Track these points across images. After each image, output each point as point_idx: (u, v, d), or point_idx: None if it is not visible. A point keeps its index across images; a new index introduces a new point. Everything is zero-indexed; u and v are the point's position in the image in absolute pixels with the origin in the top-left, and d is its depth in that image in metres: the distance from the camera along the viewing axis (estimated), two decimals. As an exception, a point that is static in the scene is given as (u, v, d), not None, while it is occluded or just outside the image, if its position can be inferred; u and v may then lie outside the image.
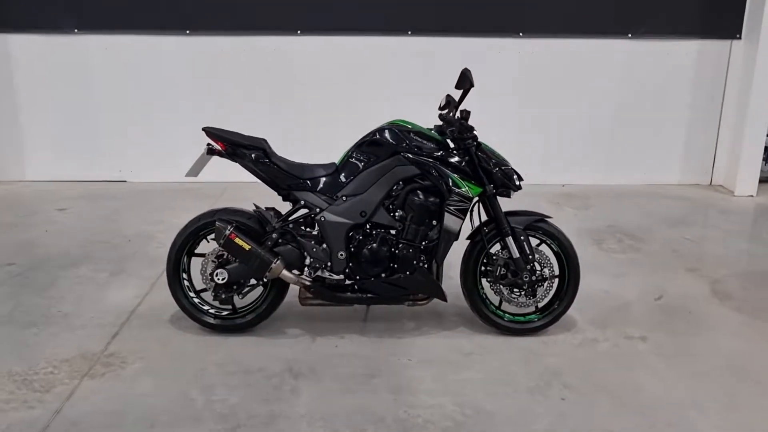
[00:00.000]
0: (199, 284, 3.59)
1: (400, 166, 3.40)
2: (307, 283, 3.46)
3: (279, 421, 2.86)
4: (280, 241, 3.47)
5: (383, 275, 3.44)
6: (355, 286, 3.47)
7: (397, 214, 3.45)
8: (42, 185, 6.47)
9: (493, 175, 3.43)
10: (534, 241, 3.59)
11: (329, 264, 3.44)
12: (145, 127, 6.54)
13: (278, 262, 3.39)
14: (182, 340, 3.53)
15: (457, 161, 3.42)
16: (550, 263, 3.58)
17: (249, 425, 2.83)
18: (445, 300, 3.55)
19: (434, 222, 3.43)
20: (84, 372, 3.19)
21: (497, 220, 3.49)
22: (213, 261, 3.48)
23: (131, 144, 6.57)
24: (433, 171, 3.39)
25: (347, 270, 3.45)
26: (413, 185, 3.42)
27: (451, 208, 3.39)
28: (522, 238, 3.49)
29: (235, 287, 3.50)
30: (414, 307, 3.66)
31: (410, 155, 3.39)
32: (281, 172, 3.45)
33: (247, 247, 3.36)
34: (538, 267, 3.54)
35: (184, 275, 3.57)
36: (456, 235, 3.44)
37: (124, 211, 5.72)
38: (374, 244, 3.41)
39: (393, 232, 3.46)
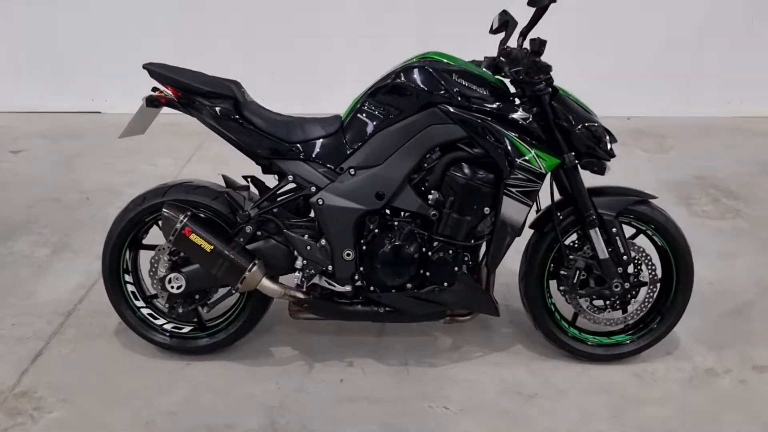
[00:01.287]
0: (152, 287, 2.54)
1: (436, 124, 2.26)
2: (300, 297, 2.40)
3: None
4: (258, 234, 2.38)
5: (409, 286, 2.36)
6: (369, 299, 2.41)
7: (430, 196, 2.33)
8: (-2, 118, 5.36)
9: (575, 138, 2.28)
10: (628, 231, 2.47)
11: (330, 268, 2.36)
12: (121, 47, 5.33)
13: (255, 268, 2.32)
14: (128, 367, 2.52)
15: (522, 117, 2.26)
16: (652, 263, 2.47)
17: None
18: (497, 314, 2.48)
19: (487, 209, 2.31)
20: (-28, 429, 2.21)
21: (579, 204, 2.37)
22: (166, 260, 2.42)
23: (106, 67, 5.39)
24: (486, 133, 2.24)
25: (356, 277, 2.37)
26: (456, 154, 2.29)
27: (513, 190, 2.27)
28: (614, 230, 2.37)
29: (197, 297, 2.46)
30: (452, 323, 2.60)
31: (451, 108, 2.24)
32: (257, 133, 2.33)
33: (208, 246, 2.29)
34: (633, 269, 2.44)
35: (128, 278, 2.53)
36: (519, 230, 2.33)
37: (88, 155, 4.63)
38: (396, 242, 2.31)
39: (424, 223, 2.36)
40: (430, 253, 2.33)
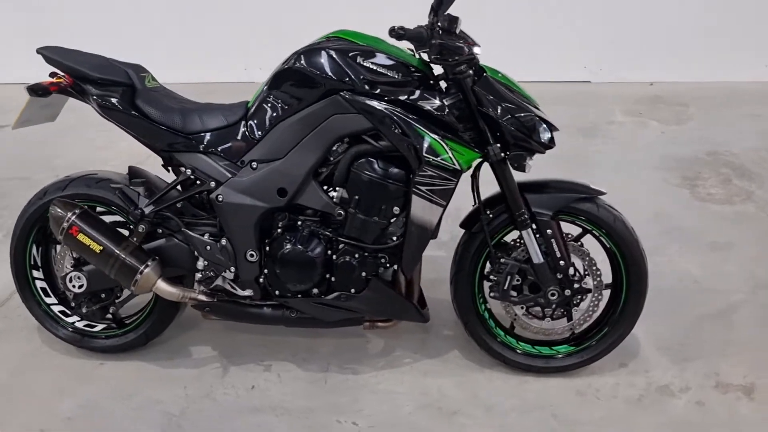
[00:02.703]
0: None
1: (339, 114, 2.01)
2: (202, 299, 2.22)
3: None
4: (159, 232, 2.21)
5: (315, 292, 2.15)
6: (279, 303, 2.22)
7: (335, 194, 2.10)
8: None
9: (503, 129, 1.98)
10: (575, 230, 2.18)
11: (233, 270, 2.16)
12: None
13: (147, 269, 2.15)
14: (41, 365, 2.42)
15: (435, 106, 1.98)
16: (596, 268, 2.18)
17: None
18: (423, 320, 2.25)
19: (396, 209, 2.06)
20: None
21: (509, 201, 2.09)
22: (70, 258, 2.29)
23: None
24: (392, 124, 1.97)
25: (261, 280, 2.17)
26: (361, 147, 2.04)
27: (423, 188, 2.00)
28: (549, 231, 2.09)
29: (103, 296, 2.32)
30: (373, 330, 2.38)
31: (357, 96, 1.98)
32: (149, 123, 2.13)
33: (96, 247, 2.13)
34: (576, 273, 2.15)
35: (36, 273, 2.41)
36: (432, 232, 2.08)
37: (81, 125, 4.54)
38: (297, 244, 2.09)
39: (330, 223, 2.13)
40: (334, 256, 2.10)
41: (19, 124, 2.24)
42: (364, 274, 2.10)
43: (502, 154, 2.04)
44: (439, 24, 1.93)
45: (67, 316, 2.42)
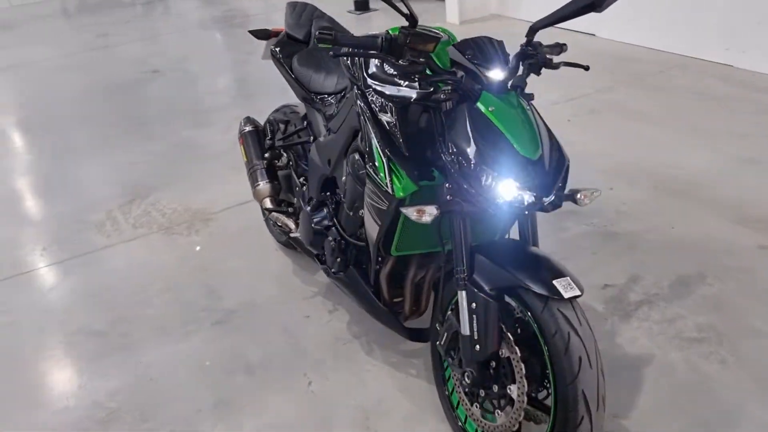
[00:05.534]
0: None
1: (354, 106, 2.09)
2: (284, 226, 2.67)
3: None
4: (290, 164, 2.73)
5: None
6: None
7: (344, 179, 2.19)
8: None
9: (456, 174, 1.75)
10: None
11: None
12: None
13: (259, 186, 2.78)
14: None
15: (388, 121, 1.91)
16: (522, 380, 1.76)
17: None
18: (404, 335, 2.22)
19: (361, 212, 2.10)
20: None
21: (454, 251, 1.86)
22: None
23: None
24: (364, 126, 1.99)
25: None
26: (357, 142, 2.11)
27: (368, 200, 1.98)
28: (486, 312, 1.77)
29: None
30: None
31: (358, 92, 2.03)
32: (289, 77, 2.64)
33: (244, 157, 2.87)
34: (503, 371, 1.82)
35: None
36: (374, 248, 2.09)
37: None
38: (310, 210, 2.42)
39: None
40: (327, 235, 2.31)
41: (263, 57, 2.90)
42: (339, 259, 2.21)
43: (448, 197, 1.76)
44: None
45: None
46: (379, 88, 1.91)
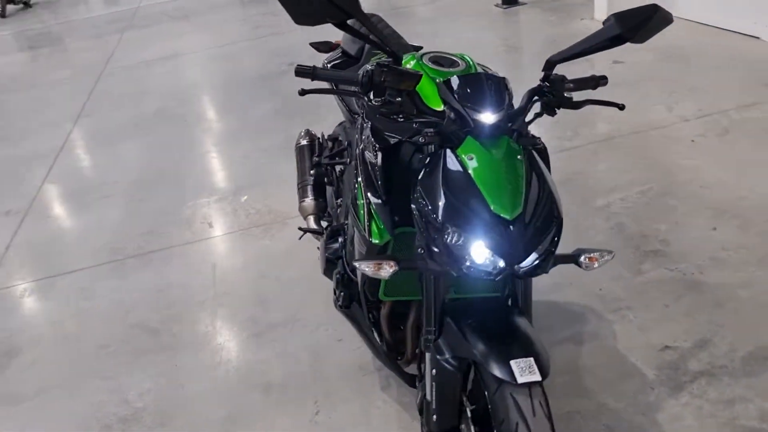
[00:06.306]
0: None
1: None
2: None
3: None
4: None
5: None
6: None
7: None
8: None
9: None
10: None
11: None
12: None
13: (304, 202, 2.65)
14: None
15: (373, 164, 1.79)
16: None
17: None
18: (387, 365, 2.13)
19: None
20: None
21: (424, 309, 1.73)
22: None
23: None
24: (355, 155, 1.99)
25: None
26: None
27: (355, 239, 1.91)
28: (450, 380, 1.65)
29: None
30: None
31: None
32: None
33: (297, 170, 2.78)
34: None
35: None
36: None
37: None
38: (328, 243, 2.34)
39: None
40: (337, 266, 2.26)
41: None
42: (343, 293, 2.13)
43: (420, 249, 1.58)
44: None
45: None
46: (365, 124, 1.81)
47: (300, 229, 2.62)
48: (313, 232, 2.60)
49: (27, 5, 12.11)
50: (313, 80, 1.68)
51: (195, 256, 3.40)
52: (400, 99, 1.62)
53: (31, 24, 10.68)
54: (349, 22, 1.58)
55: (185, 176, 4.30)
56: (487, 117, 1.60)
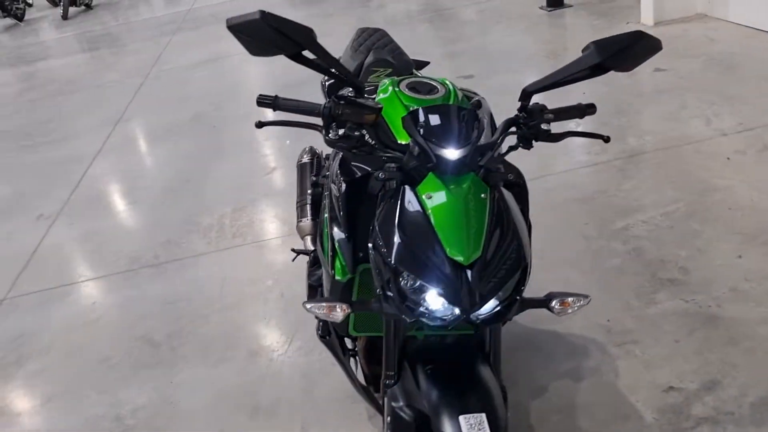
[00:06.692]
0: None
1: None
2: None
3: None
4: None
5: None
6: None
7: None
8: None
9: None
10: None
11: None
12: None
13: (301, 223, 2.53)
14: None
15: (336, 197, 1.80)
16: None
17: None
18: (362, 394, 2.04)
19: None
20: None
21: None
22: None
23: None
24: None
25: None
26: None
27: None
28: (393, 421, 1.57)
29: None
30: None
31: None
32: None
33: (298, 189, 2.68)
34: None
35: None
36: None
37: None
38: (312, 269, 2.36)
39: None
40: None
41: None
42: (321, 323, 2.07)
43: (379, 291, 1.48)
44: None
45: None
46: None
47: (293, 250, 2.57)
48: (306, 254, 2.55)
49: (89, 7, 12.53)
50: (275, 110, 1.63)
51: (207, 268, 3.41)
52: (358, 133, 1.55)
53: (90, 26, 11.04)
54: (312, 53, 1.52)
55: (211, 184, 4.33)
56: (451, 152, 1.51)
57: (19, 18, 12.36)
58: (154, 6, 12.13)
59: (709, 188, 3.25)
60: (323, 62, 1.53)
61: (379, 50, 2.56)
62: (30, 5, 13.66)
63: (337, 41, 2.95)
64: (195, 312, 3.06)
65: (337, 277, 1.68)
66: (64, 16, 11.75)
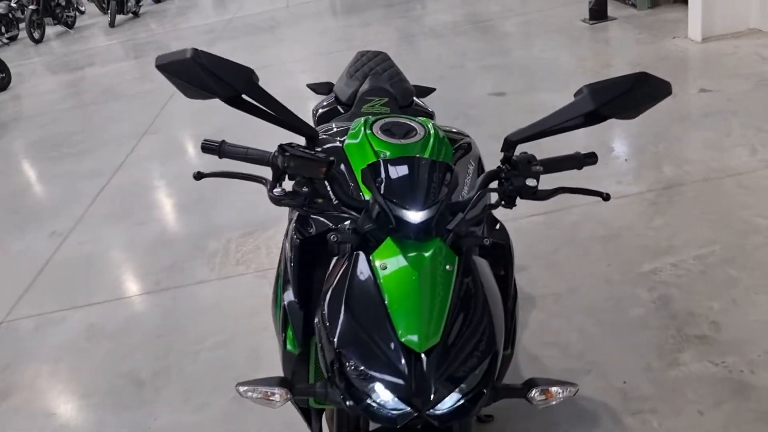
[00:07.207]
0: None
1: None
2: None
3: None
4: None
5: None
6: None
7: None
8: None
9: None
10: None
11: None
12: None
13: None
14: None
15: (290, 258, 1.66)
16: None
17: None
18: None
19: None
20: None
21: None
22: None
23: None
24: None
25: None
26: None
27: None
28: None
29: None
30: None
31: None
32: None
33: None
34: None
35: None
36: None
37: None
38: None
39: None
40: None
41: None
42: None
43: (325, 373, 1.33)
44: None
45: None
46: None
47: None
48: None
49: (136, 15, 12.69)
50: (221, 158, 1.45)
51: (204, 298, 3.25)
52: (308, 189, 1.35)
53: (135, 33, 11.16)
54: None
55: (225, 204, 4.18)
56: (414, 214, 1.30)
57: (70, 26, 12.62)
58: (198, 13, 12.20)
59: (750, 229, 2.93)
60: (267, 107, 1.35)
61: (377, 77, 2.35)
62: (82, 12, 13.97)
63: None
64: (185, 348, 2.90)
65: (289, 348, 1.48)
66: (111, 24, 11.92)
